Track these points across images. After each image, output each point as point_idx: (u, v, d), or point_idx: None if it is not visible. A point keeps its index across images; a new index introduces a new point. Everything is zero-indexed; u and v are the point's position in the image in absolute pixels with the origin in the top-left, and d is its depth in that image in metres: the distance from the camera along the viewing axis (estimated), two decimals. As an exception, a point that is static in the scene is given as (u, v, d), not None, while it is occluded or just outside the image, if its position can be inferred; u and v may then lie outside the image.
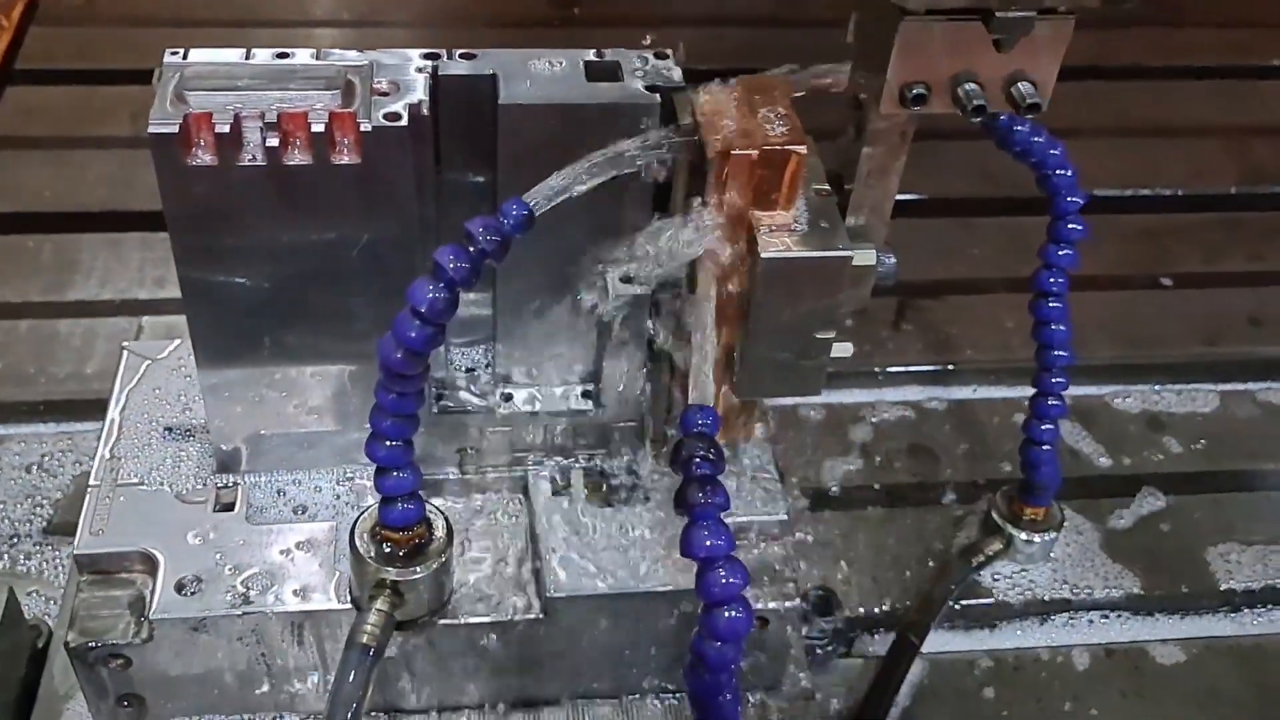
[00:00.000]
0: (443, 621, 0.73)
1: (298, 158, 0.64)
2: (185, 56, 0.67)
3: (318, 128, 0.64)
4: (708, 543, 0.59)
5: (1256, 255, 1.28)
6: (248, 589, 0.73)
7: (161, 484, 0.78)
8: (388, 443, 0.65)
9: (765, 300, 0.64)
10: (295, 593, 0.73)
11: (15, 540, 0.93)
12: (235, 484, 0.79)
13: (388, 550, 0.69)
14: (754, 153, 0.62)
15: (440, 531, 0.70)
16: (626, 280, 0.68)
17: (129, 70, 1.39)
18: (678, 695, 0.81)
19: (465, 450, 0.79)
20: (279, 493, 0.79)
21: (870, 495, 1.01)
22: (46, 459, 0.99)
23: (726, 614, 0.59)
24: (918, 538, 0.98)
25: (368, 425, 0.65)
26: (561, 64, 0.69)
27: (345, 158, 0.64)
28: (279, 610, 0.73)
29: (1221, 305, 1.22)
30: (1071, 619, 0.96)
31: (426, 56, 0.69)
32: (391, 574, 0.68)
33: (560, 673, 0.79)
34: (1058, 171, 0.79)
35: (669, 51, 0.69)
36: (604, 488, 0.79)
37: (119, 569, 0.75)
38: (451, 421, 0.78)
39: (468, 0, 1.60)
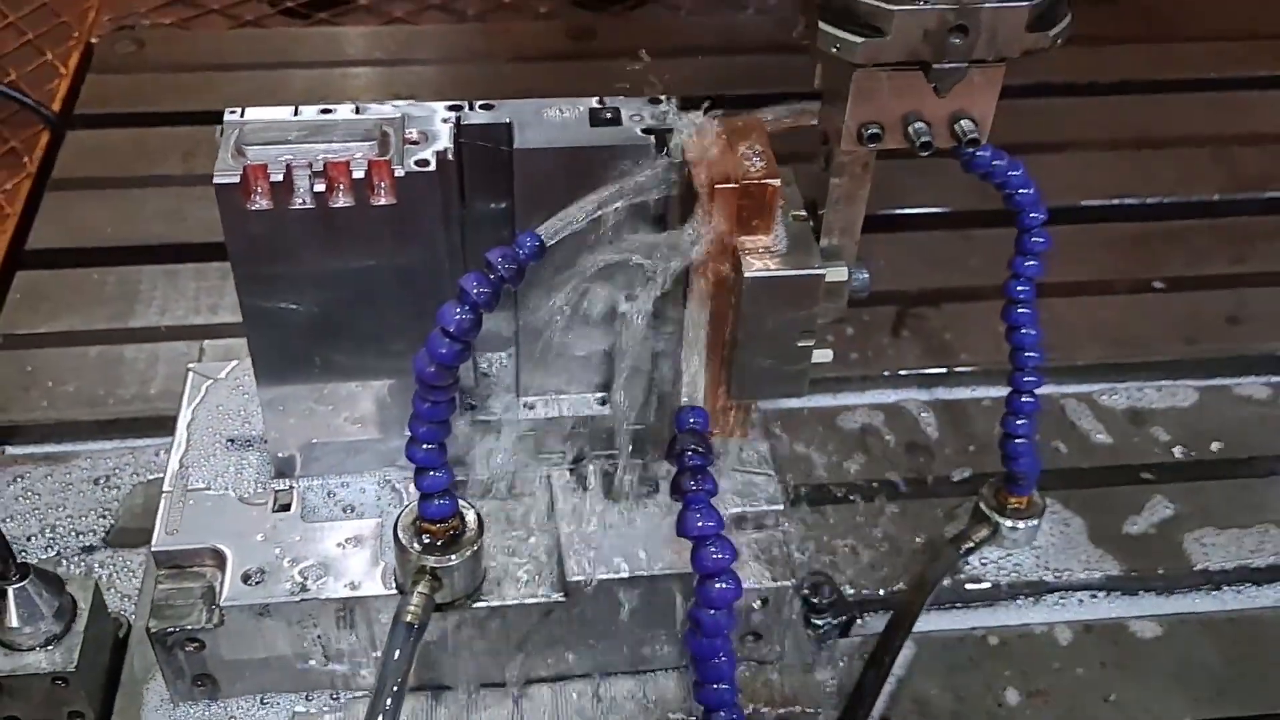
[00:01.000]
0: (476, 604, 0.83)
1: (341, 200, 0.74)
2: (243, 114, 0.77)
3: (358, 174, 0.73)
4: (699, 523, 0.68)
5: (1239, 258, 1.35)
6: (305, 578, 0.83)
7: (226, 489, 0.87)
8: (425, 446, 0.74)
9: (751, 313, 0.73)
10: (346, 582, 0.83)
11: (91, 549, 1.01)
12: (291, 487, 0.88)
13: (427, 541, 0.78)
14: (736, 186, 0.71)
15: (473, 524, 0.80)
16: (631, 296, 0.77)
17: (180, 112, 1.48)
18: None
19: (493, 451, 0.88)
20: (329, 494, 0.88)
21: (869, 489, 1.09)
22: (113, 474, 1.07)
23: (718, 585, 0.68)
24: (913, 527, 1.06)
25: (407, 432, 0.75)
26: (569, 111, 0.78)
27: (382, 199, 0.74)
28: (332, 596, 0.82)
29: (1203, 306, 1.28)
30: (1059, 599, 1.02)
31: (451, 108, 0.78)
32: (431, 561, 0.78)
33: (583, 650, 0.88)
34: (1020, 191, 0.86)
35: (663, 98, 0.78)
36: (617, 484, 0.88)
37: (192, 564, 0.84)
38: (480, 427, 0.88)
39: (490, 37, 1.67)
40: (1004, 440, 0.97)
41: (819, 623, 0.96)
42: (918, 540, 1.04)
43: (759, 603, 0.87)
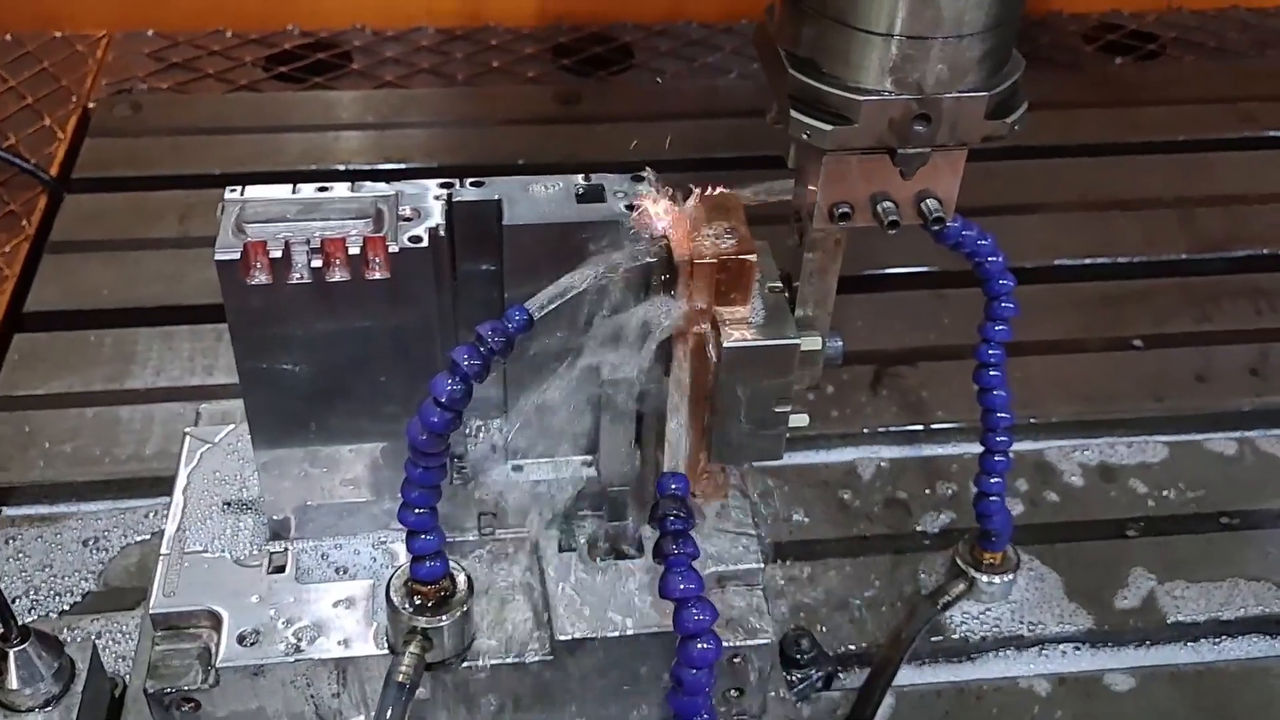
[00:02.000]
0: (466, 663, 0.85)
1: (338, 275, 0.77)
2: (243, 193, 0.80)
3: (354, 250, 0.76)
4: (681, 586, 0.71)
5: (1204, 317, 1.39)
6: (299, 639, 0.85)
7: (222, 551, 0.89)
8: (416, 510, 0.77)
9: (730, 381, 0.76)
10: (339, 642, 0.85)
11: (80, 611, 1.04)
12: (286, 549, 0.90)
13: (418, 602, 0.80)
14: (714, 261, 0.74)
15: (463, 585, 0.82)
16: (615, 365, 0.81)
17: (176, 175, 1.51)
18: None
19: (482, 515, 0.91)
20: (323, 556, 0.90)
21: (847, 545, 1.12)
22: (103, 536, 1.09)
23: (699, 645, 0.71)
24: (890, 582, 1.09)
25: (399, 495, 0.77)
26: (555, 188, 0.82)
27: (377, 274, 0.77)
28: (326, 657, 0.84)
29: (1171, 364, 1.32)
30: (1036, 653, 1.06)
31: (442, 185, 0.82)
32: (422, 622, 0.80)
33: (570, 708, 0.90)
34: (989, 259, 0.90)
35: (644, 175, 0.82)
36: (603, 545, 0.90)
37: (188, 625, 0.86)
38: (470, 491, 0.90)
39: (480, 101, 1.71)
40: (978, 498, 1.00)
41: (799, 678, 0.99)
42: (896, 595, 1.07)
43: (739, 660, 0.89)
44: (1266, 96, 1.71)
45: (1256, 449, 1.23)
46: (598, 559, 0.90)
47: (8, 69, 1.70)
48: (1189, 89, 1.74)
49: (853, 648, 1.04)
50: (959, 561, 1.06)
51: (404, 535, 0.79)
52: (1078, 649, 1.06)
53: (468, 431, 0.92)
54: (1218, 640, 1.07)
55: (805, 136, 0.68)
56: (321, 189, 0.80)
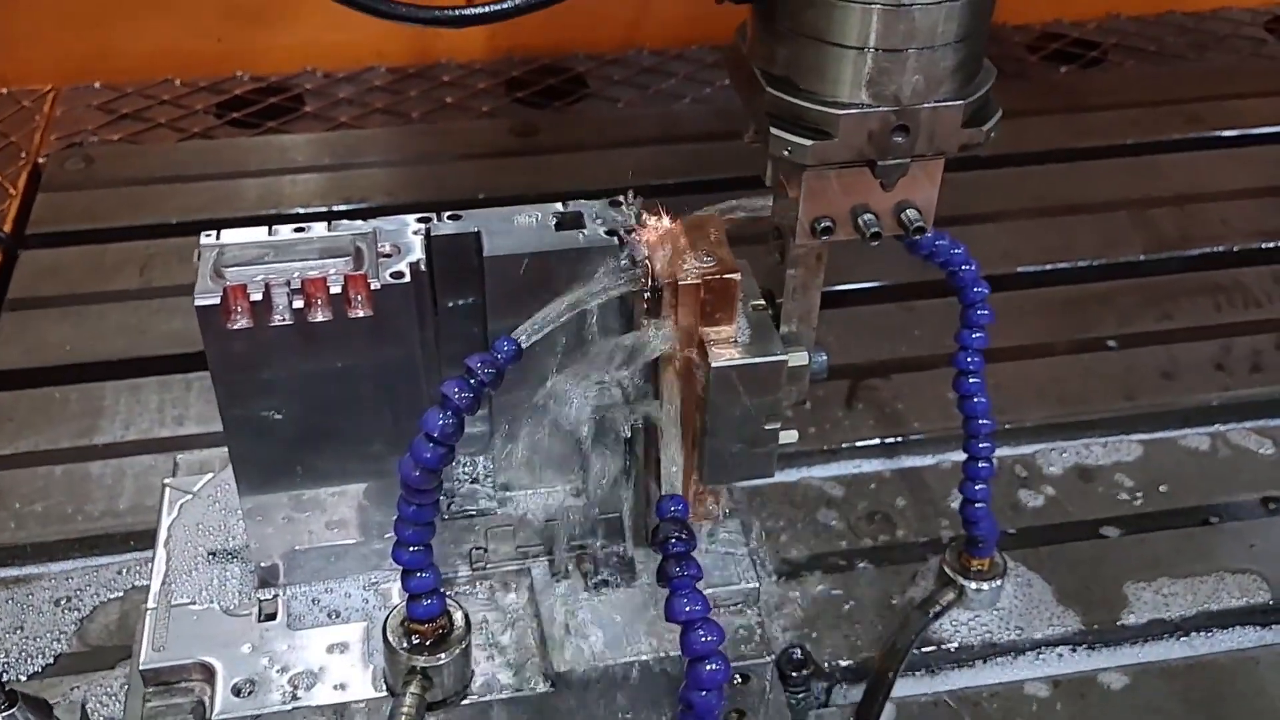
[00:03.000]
0: (466, 701, 0.84)
1: (320, 315, 0.76)
2: (218, 236, 0.79)
3: (335, 289, 0.76)
4: (687, 608, 0.71)
5: (1166, 315, 1.41)
6: (295, 686, 0.83)
7: (210, 602, 0.88)
8: (411, 548, 0.76)
9: (719, 401, 0.76)
10: (336, 686, 0.84)
11: (49, 669, 1.01)
12: (275, 596, 0.89)
13: (416, 641, 0.79)
14: (698, 282, 0.74)
15: (460, 622, 0.81)
16: (602, 391, 0.80)
17: (133, 226, 1.50)
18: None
19: (474, 549, 0.90)
20: (314, 601, 0.89)
21: (835, 560, 1.12)
22: (75, 595, 1.06)
23: (708, 667, 0.70)
24: (880, 595, 1.09)
25: (389, 535, 0.77)
26: (535, 217, 0.82)
27: (359, 311, 0.77)
28: (324, 703, 0.83)
29: (1137, 363, 1.34)
30: (1029, 657, 1.06)
31: (420, 220, 0.81)
32: (421, 661, 0.79)
33: (573, 736, 0.89)
34: (963, 268, 0.92)
35: (621, 200, 0.82)
36: (596, 572, 0.90)
37: (179, 679, 0.85)
38: (461, 525, 0.89)
39: (436, 137, 1.71)
40: (963, 505, 1.01)
41: (798, 694, 0.98)
42: (887, 606, 1.07)
43: (740, 679, 0.89)
44: (1210, 96, 1.75)
45: (1229, 442, 1.25)
46: (591, 586, 0.89)
47: (-45, 128, 1.68)
48: (1135, 93, 1.78)
49: (846, 662, 1.03)
50: (947, 570, 1.06)
51: (395, 575, 0.78)
52: (1073, 650, 1.06)
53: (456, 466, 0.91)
54: (1208, 633, 1.08)
55: (786, 153, 0.68)
56: (299, 229, 0.80)
